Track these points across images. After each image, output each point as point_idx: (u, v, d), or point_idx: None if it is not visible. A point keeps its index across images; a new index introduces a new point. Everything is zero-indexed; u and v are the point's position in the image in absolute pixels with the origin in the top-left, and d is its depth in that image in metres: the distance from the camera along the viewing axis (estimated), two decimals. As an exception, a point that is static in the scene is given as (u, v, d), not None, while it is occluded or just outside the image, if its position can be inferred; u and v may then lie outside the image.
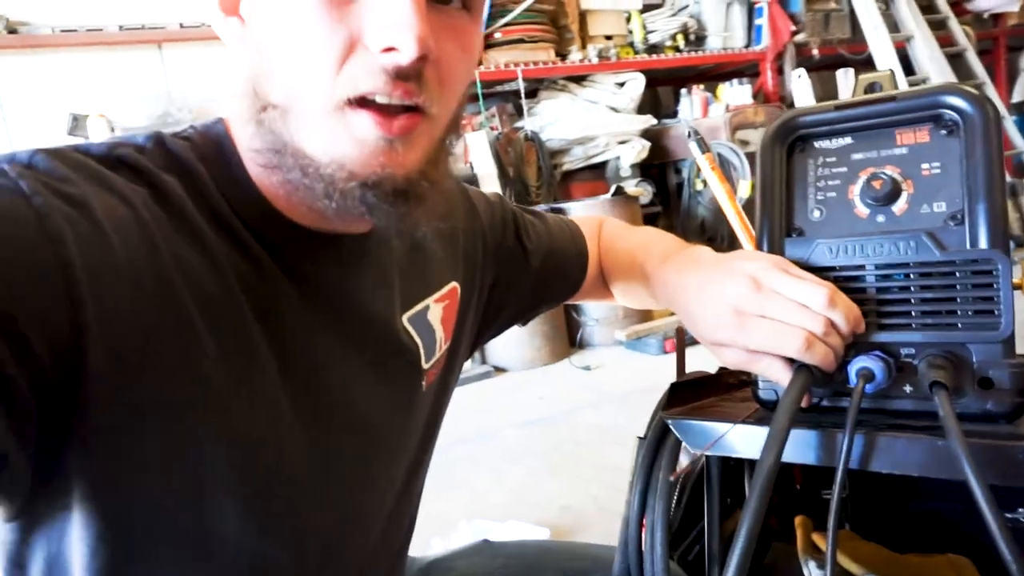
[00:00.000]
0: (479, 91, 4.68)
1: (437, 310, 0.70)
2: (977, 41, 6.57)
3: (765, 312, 0.58)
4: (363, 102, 0.49)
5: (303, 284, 0.57)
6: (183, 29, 4.85)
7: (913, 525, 0.85)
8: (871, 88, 0.67)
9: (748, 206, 0.70)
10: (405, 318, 0.66)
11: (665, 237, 0.87)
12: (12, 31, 4.66)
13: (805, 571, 0.72)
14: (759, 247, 0.65)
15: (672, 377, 0.77)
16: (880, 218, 0.61)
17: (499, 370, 4.15)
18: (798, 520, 0.80)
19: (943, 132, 0.60)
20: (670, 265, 0.74)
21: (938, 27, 6.08)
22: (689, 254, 0.74)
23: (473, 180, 4.31)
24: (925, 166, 0.60)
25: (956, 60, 6.08)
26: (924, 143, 0.61)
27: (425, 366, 0.67)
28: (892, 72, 0.68)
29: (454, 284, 0.74)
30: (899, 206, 0.60)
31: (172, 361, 0.47)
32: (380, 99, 0.49)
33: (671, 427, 0.64)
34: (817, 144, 0.65)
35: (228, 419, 0.50)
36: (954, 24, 6.24)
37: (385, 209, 0.51)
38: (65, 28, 4.72)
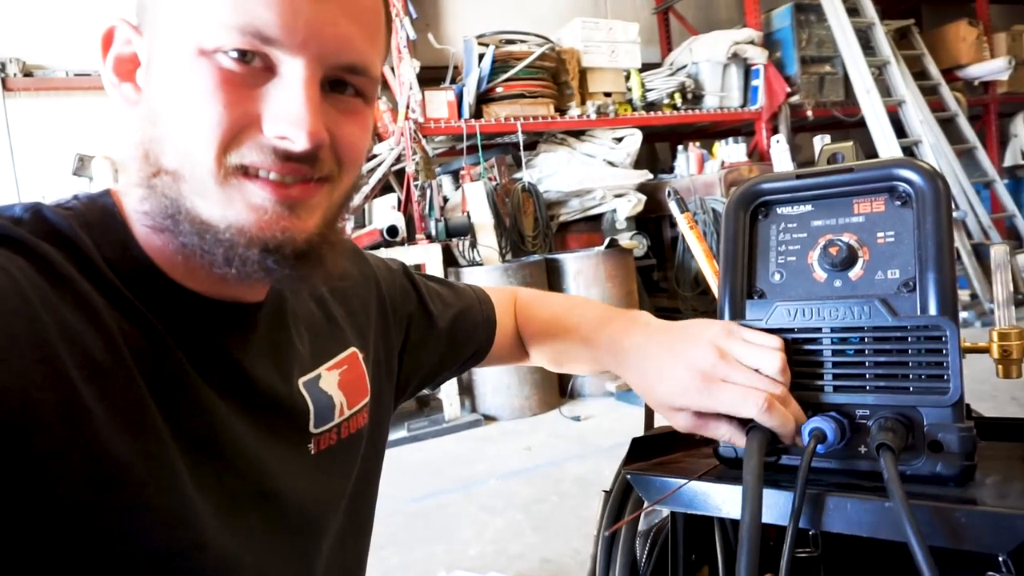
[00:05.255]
0: (479, 142, 4.76)
1: (331, 378, 0.69)
2: (968, 107, 6.73)
3: (729, 378, 0.63)
4: (251, 172, 0.51)
5: (194, 351, 0.55)
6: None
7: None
8: (833, 159, 0.70)
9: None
10: (301, 382, 0.66)
11: (589, 301, 0.90)
12: (28, 74, 4.80)
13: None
14: (720, 307, 0.67)
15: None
16: (837, 283, 0.63)
17: (488, 419, 4.13)
18: (763, 578, 0.80)
19: (897, 203, 0.63)
20: (616, 329, 0.77)
21: (930, 92, 6.23)
22: (635, 318, 0.77)
23: (470, 228, 4.36)
24: (880, 234, 0.63)
25: (948, 124, 6.22)
26: (880, 212, 0.64)
27: (314, 430, 0.66)
28: (855, 143, 0.71)
29: (352, 350, 0.73)
30: (855, 272, 0.63)
31: (62, 434, 0.44)
32: (264, 174, 0.51)
33: (631, 481, 0.65)
34: (779, 210, 0.68)
35: (130, 490, 0.47)
36: (945, 90, 6.40)
37: (286, 273, 0.52)
38: (79, 72, 4.84)
